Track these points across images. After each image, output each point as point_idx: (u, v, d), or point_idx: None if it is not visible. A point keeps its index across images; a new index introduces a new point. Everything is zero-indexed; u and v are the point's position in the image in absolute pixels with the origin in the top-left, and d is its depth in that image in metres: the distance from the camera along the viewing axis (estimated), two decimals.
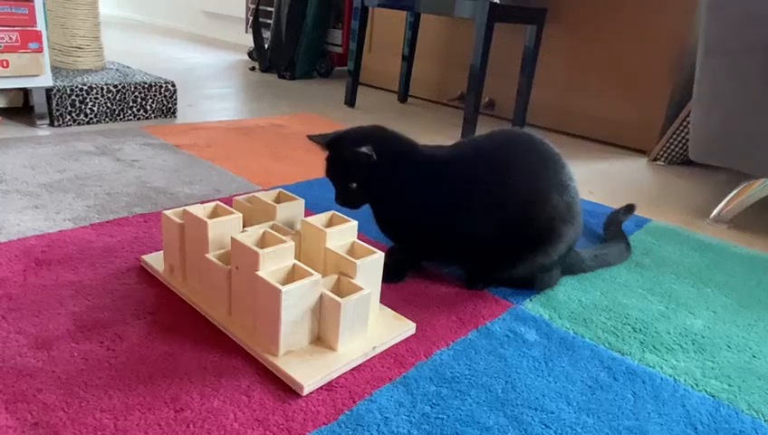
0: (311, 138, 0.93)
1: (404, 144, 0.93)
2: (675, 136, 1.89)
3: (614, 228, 1.21)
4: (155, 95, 1.81)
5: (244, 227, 0.83)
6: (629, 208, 1.28)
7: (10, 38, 1.45)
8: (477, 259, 0.93)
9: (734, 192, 1.40)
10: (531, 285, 0.95)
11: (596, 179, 1.70)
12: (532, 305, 0.91)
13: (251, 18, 3.07)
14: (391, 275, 0.91)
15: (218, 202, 0.85)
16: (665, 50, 1.96)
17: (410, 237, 0.95)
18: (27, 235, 0.97)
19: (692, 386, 0.75)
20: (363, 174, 0.88)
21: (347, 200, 0.91)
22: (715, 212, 1.42)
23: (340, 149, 0.90)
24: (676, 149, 1.92)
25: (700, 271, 1.11)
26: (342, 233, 0.81)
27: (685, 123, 1.82)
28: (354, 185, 0.89)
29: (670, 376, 0.77)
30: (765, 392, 0.75)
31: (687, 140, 1.83)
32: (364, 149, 0.85)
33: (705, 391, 0.74)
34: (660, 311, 0.94)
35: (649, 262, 1.13)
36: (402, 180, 0.89)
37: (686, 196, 1.63)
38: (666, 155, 1.96)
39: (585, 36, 2.14)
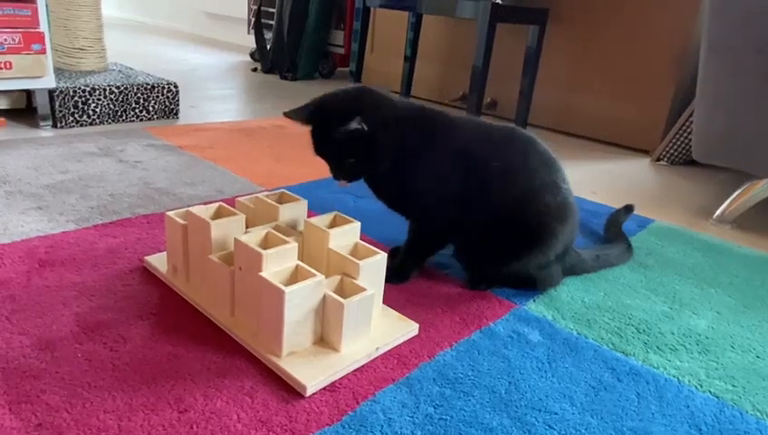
0: (287, 114, 0.82)
1: (399, 106, 0.87)
2: (678, 136, 1.88)
3: (614, 229, 1.21)
4: (157, 96, 1.81)
5: (247, 227, 0.83)
6: (628, 209, 1.28)
7: (13, 40, 1.45)
8: (474, 246, 0.92)
9: (738, 192, 1.39)
10: (533, 285, 0.95)
11: (598, 180, 1.70)
12: (535, 306, 0.91)
13: (253, 19, 3.07)
14: (394, 275, 0.91)
15: (221, 203, 0.85)
16: (667, 49, 1.96)
17: (411, 205, 0.91)
18: (30, 236, 0.97)
19: (696, 387, 0.75)
20: (359, 149, 0.81)
21: (345, 175, 0.85)
22: (718, 212, 1.41)
23: (324, 126, 0.81)
24: (679, 150, 1.92)
25: (704, 271, 1.11)
26: (345, 234, 0.81)
27: (688, 123, 1.81)
28: (352, 160, 0.83)
29: (674, 377, 0.76)
30: None
31: (690, 140, 1.83)
32: (354, 125, 0.76)
33: (710, 391, 0.74)
34: (664, 311, 0.94)
35: (653, 262, 1.12)
36: (409, 142, 0.84)
37: (689, 196, 1.62)
38: (668, 155, 1.95)
39: (587, 36, 2.14)
